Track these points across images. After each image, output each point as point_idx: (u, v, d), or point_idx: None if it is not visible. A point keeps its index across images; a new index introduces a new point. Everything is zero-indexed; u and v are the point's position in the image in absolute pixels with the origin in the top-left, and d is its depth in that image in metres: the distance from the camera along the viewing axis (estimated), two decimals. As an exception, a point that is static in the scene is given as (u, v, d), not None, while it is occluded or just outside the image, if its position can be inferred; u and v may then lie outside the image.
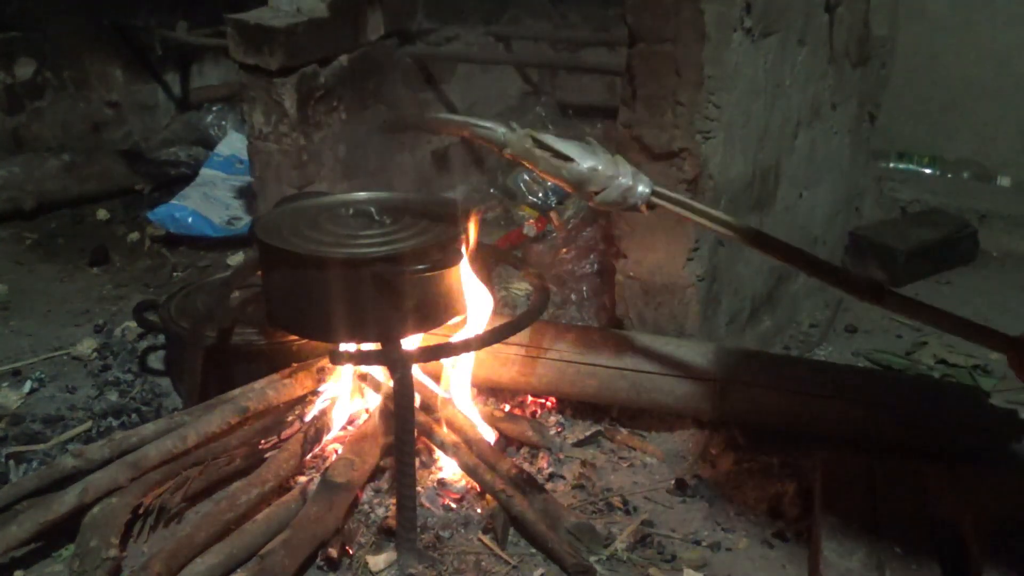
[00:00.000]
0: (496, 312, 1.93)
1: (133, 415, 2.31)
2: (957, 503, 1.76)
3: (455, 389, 2.06)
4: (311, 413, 2.05)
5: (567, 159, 1.57)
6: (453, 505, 1.89)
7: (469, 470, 1.91)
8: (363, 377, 2.09)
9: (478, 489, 1.90)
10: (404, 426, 1.74)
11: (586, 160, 1.57)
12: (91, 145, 3.96)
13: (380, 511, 1.86)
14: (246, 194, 3.39)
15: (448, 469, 1.97)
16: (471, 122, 1.68)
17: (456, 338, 1.88)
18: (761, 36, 2.19)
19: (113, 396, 2.41)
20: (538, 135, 1.60)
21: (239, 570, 1.71)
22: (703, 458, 2.06)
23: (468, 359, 2.04)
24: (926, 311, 1.46)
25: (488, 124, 1.66)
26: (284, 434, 2.03)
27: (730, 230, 1.60)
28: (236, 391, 2.08)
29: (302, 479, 1.92)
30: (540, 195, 3.21)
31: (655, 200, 1.60)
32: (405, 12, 3.04)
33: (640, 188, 1.59)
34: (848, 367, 2.38)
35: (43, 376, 2.51)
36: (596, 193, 1.61)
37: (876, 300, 1.37)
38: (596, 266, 2.65)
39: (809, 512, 1.82)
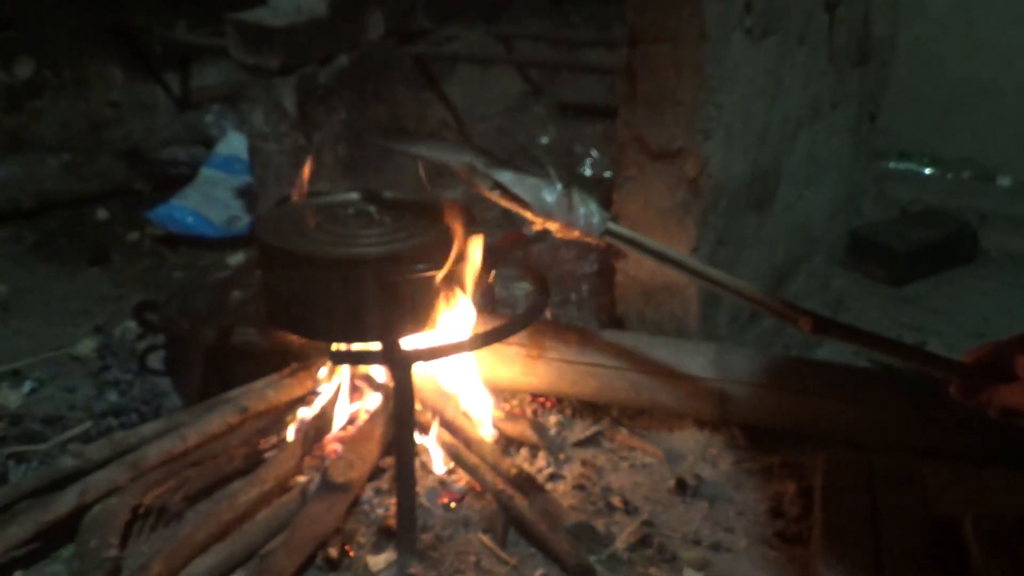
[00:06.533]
0: (496, 312, 1.92)
1: (133, 415, 2.31)
2: (957, 503, 1.76)
3: (461, 388, 2.06)
4: (307, 413, 2.05)
5: (522, 202, 1.59)
6: (453, 505, 1.89)
7: (469, 470, 1.91)
8: (364, 377, 2.09)
9: (478, 489, 1.90)
10: (404, 426, 1.74)
11: (540, 202, 1.59)
12: (91, 145, 3.96)
13: (380, 511, 1.86)
14: (246, 194, 3.39)
15: (448, 469, 1.97)
16: (440, 156, 1.69)
17: (456, 338, 1.88)
18: (761, 36, 2.19)
19: (113, 396, 2.41)
20: (496, 175, 1.60)
21: (239, 570, 1.71)
22: (703, 458, 2.06)
23: (467, 360, 2.04)
24: (872, 340, 1.47)
25: (456, 157, 1.66)
26: (284, 434, 2.03)
27: (682, 269, 1.60)
28: (236, 391, 2.08)
29: (302, 479, 1.92)
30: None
31: (608, 238, 1.61)
32: (405, 12, 3.04)
33: (595, 221, 1.61)
34: (848, 367, 2.38)
35: (43, 376, 2.51)
36: (557, 225, 1.63)
37: (820, 332, 1.38)
38: (596, 266, 2.66)
39: (809, 512, 1.81)
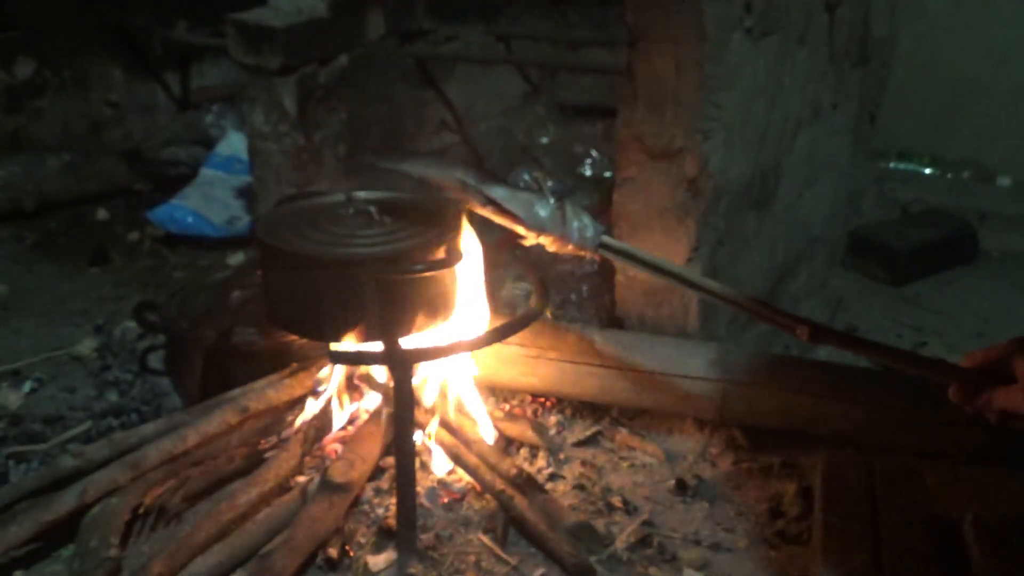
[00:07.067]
0: (496, 312, 1.93)
1: (133, 415, 2.31)
2: (957, 503, 1.76)
3: (459, 388, 2.06)
4: (308, 413, 2.05)
5: (516, 217, 1.60)
6: (453, 505, 1.88)
7: (469, 470, 1.91)
8: (364, 377, 2.09)
9: (478, 489, 1.90)
10: (404, 426, 1.74)
11: (533, 217, 1.60)
12: (91, 145, 3.96)
13: (380, 511, 1.86)
14: (246, 194, 3.39)
15: (448, 469, 1.97)
16: (432, 173, 1.69)
17: (455, 338, 1.88)
18: (761, 36, 2.19)
19: (113, 396, 2.41)
20: (489, 191, 1.61)
21: (239, 570, 1.71)
22: (703, 458, 2.06)
23: (467, 360, 2.04)
24: (870, 347, 1.47)
25: (447, 174, 1.66)
26: (284, 434, 2.03)
27: (677, 280, 1.60)
28: (236, 391, 2.08)
29: (302, 479, 1.92)
30: (540, 195, 3.20)
31: (601, 251, 1.62)
32: (405, 12, 3.04)
33: (589, 235, 1.61)
34: (848, 367, 2.38)
35: (43, 376, 2.51)
36: (550, 239, 1.63)
37: (817, 340, 1.39)
38: (596, 266, 2.65)
39: (809, 512, 1.81)
